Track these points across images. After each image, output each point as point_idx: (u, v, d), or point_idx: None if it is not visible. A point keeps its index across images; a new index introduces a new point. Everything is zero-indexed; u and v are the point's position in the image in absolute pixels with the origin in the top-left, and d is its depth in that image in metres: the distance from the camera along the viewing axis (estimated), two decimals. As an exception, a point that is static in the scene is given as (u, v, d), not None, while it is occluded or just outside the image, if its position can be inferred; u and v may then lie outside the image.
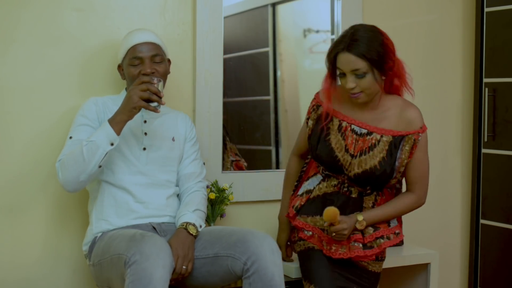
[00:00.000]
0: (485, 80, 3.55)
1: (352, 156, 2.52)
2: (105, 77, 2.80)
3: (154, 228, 2.57)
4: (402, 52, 3.50)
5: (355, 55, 2.40)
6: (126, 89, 2.69)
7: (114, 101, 2.64)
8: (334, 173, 2.59)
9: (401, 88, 2.57)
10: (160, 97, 2.39)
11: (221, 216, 2.95)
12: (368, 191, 2.59)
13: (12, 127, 2.68)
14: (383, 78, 2.49)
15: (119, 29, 2.82)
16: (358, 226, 2.53)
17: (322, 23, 3.39)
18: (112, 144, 2.42)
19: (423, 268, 3.12)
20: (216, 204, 2.89)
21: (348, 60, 2.42)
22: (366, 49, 2.40)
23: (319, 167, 2.67)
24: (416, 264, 3.11)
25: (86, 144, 2.40)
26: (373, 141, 2.53)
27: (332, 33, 3.34)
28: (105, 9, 2.81)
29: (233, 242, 2.44)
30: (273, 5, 3.32)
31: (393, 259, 3.05)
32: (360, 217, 2.52)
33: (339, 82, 2.55)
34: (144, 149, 2.62)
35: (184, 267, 2.42)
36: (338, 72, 2.48)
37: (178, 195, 2.72)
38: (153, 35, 2.64)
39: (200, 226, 2.57)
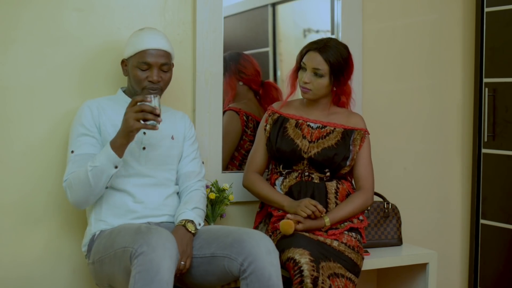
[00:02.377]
0: (485, 80, 3.54)
1: (310, 141, 2.82)
2: (105, 77, 2.80)
3: None
4: (402, 52, 3.53)
5: (322, 57, 2.76)
6: (123, 90, 2.68)
7: (110, 101, 2.65)
8: (294, 162, 2.83)
9: (347, 106, 2.94)
10: (156, 115, 2.37)
11: (221, 216, 2.95)
12: (328, 175, 2.82)
13: (13, 127, 2.69)
14: (334, 88, 2.84)
15: (119, 29, 2.83)
16: (323, 230, 2.76)
17: (322, 23, 3.39)
18: (116, 167, 2.45)
19: (422, 268, 3.12)
20: (216, 204, 2.89)
21: (314, 59, 2.78)
22: (333, 56, 2.77)
23: (277, 170, 2.87)
24: (415, 264, 3.11)
25: (91, 169, 2.43)
26: (328, 131, 2.86)
27: (332, 33, 3.34)
28: (105, 9, 2.82)
29: (230, 242, 2.45)
30: (273, 5, 3.33)
31: (392, 258, 3.05)
32: (326, 219, 2.75)
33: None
34: (144, 148, 2.62)
35: (182, 262, 2.43)
36: (301, 66, 2.82)
37: (178, 193, 2.73)
38: (166, 41, 2.62)
39: (199, 224, 2.58)
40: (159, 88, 2.60)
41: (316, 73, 2.77)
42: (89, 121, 2.57)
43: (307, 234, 2.70)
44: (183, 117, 2.79)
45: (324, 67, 2.76)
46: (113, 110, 2.61)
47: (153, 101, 2.39)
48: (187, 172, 2.73)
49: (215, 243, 2.48)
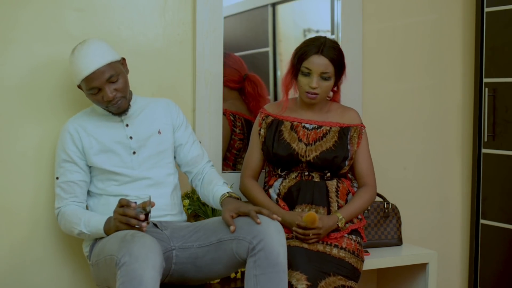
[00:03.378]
0: (485, 80, 3.54)
1: (307, 144, 2.79)
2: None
3: (155, 225, 2.58)
4: (402, 52, 3.53)
5: (328, 59, 2.71)
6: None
7: (88, 116, 2.64)
8: (292, 166, 2.80)
9: (337, 100, 2.92)
10: (140, 220, 2.37)
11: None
12: (328, 175, 2.80)
13: (12, 127, 2.69)
14: (335, 88, 2.84)
15: (119, 29, 2.83)
16: (340, 224, 2.73)
17: (322, 23, 3.39)
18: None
19: (422, 268, 3.12)
20: (217, 204, 2.89)
21: (321, 62, 2.71)
22: (335, 56, 2.73)
23: (275, 173, 2.85)
24: (415, 264, 3.11)
25: (79, 233, 2.53)
26: (324, 132, 2.82)
27: (332, 33, 3.34)
28: (105, 9, 2.82)
29: (239, 226, 2.44)
30: (273, 5, 3.33)
31: (392, 258, 3.06)
32: (339, 215, 2.73)
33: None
34: (134, 153, 2.62)
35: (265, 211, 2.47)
36: (302, 71, 2.73)
37: (177, 187, 2.74)
38: (99, 54, 2.49)
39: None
40: (121, 97, 2.55)
41: (323, 77, 2.72)
42: (71, 147, 2.58)
43: (306, 245, 2.68)
44: (167, 105, 2.74)
45: (331, 69, 2.72)
46: (93, 124, 2.62)
47: (140, 205, 2.39)
48: (192, 158, 2.75)
49: (221, 230, 2.48)
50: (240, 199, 2.60)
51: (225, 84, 3.12)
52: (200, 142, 2.83)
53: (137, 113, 2.66)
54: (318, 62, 2.70)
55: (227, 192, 2.60)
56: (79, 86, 2.59)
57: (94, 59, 2.49)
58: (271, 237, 2.38)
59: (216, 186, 2.66)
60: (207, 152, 2.83)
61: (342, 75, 2.79)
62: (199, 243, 2.51)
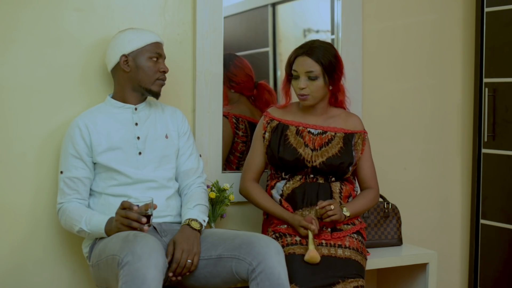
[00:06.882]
0: (485, 80, 3.54)
1: (313, 149, 2.80)
2: (104, 77, 2.80)
3: (154, 228, 2.58)
4: (402, 52, 3.53)
5: (312, 59, 2.74)
6: (111, 97, 2.67)
7: (99, 113, 2.64)
8: (297, 170, 2.81)
9: (344, 104, 2.92)
10: (142, 223, 2.39)
11: (222, 216, 2.94)
12: (332, 179, 2.83)
13: (12, 127, 2.69)
14: (330, 87, 2.80)
15: (119, 29, 2.82)
16: (347, 215, 2.77)
17: (322, 23, 3.39)
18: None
19: (422, 268, 3.12)
20: (217, 204, 2.88)
21: (305, 62, 2.74)
22: (322, 55, 2.74)
23: (278, 175, 2.85)
24: (415, 264, 3.11)
25: (79, 230, 2.52)
26: (329, 137, 2.84)
27: (332, 33, 3.35)
28: (105, 9, 2.82)
29: (238, 244, 2.45)
30: (273, 5, 3.33)
31: (392, 258, 3.06)
32: (347, 212, 2.75)
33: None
34: (140, 153, 2.63)
35: (189, 260, 2.44)
36: (293, 75, 2.79)
37: (178, 191, 2.75)
38: None
39: (204, 221, 2.60)
40: (165, 79, 2.68)
41: (310, 77, 2.74)
42: (79, 142, 2.58)
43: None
44: (174, 113, 2.78)
45: (316, 68, 2.73)
46: (104, 121, 2.62)
47: (141, 209, 2.41)
48: (185, 170, 2.74)
49: (221, 245, 2.49)
50: (200, 231, 2.55)
51: (239, 91, 3.16)
52: (200, 156, 2.83)
53: (147, 115, 2.68)
54: (303, 62, 2.75)
55: (188, 219, 2.57)
56: (125, 57, 2.61)
57: (158, 36, 2.70)
58: (271, 258, 2.39)
59: (186, 208, 2.64)
60: (203, 162, 2.83)
61: (335, 73, 2.77)
62: (200, 254, 2.51)
